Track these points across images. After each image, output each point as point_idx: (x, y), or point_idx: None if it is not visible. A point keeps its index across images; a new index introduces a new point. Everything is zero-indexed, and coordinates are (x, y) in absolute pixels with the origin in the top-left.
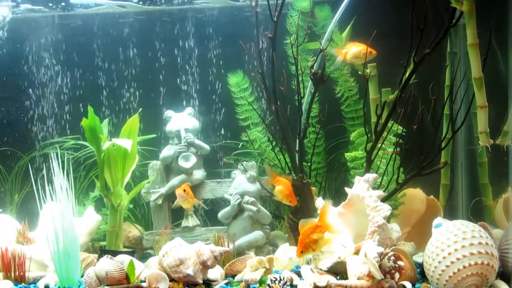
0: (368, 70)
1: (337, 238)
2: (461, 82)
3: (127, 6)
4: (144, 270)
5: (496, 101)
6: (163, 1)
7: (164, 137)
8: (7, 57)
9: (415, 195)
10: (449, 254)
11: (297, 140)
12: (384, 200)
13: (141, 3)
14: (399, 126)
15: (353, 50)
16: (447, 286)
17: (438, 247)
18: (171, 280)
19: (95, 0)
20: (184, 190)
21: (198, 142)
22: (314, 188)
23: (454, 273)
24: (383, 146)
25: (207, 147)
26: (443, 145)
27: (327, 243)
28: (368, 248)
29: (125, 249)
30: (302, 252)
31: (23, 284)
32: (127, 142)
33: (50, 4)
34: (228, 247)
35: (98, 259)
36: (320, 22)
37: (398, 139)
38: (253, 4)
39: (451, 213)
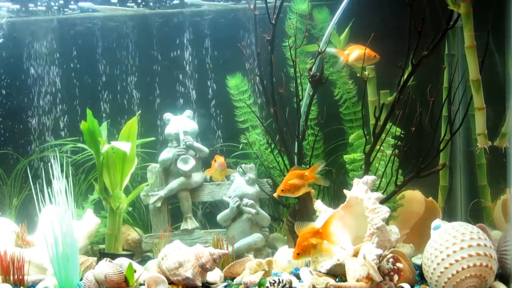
0: (366, 72)
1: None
2: (459, 84)
3: (124, 10)
4: (143, 273)
5: (494, 102)
6: (161, 4)
7: (163, 140)
8: (5, 60)
9: (414, 197)
10: (448, 256)
11: (296, 142)
12: (382, 202)
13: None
14: (398, 128)
15: (356, 53)
16: None
17: (436, 249)
18: (170, 283)
19: (92, 4)
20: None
21: (197, 144)
22: (313, 190)
23: (452, 274)
24: (381, 148)
25: (206, 149)
26: (441, 147)
27: (326, 252)
28: (367, 250)
29: (124, 252)
30: (298, 255)
31: (22, 287)
32: (126, 145)
33: (48, 7)
34: (227, 249)
35: (97, 262)
36: (318, 24)
37: (396, 141)
38: (252, 6)
39: (449, 215)
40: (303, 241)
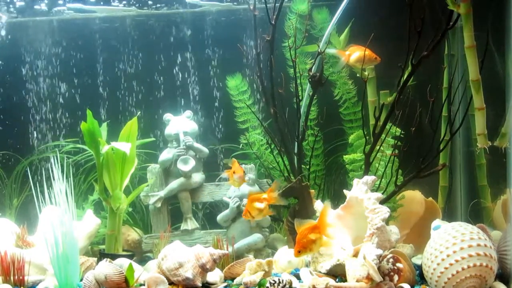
0: (366, 73)
1: (336, 240)
2: (459, 84)
3: (124, 10)
4: (143, 273)
5: (493, 103)
6: (161, 5)
7: (163, 141)
8: (5, 61)
9: (414, 197)
10: (448, 256)
11: (296, 143)
12: (382, 202)
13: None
14: (397, 128)
15: (357, 54)
16: None
17: (436, 249)
18: (170, 283)
19: (91, 5)
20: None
21: (197, 145)
22: (313, 190)
23: (452, 275)
24: (381, 148)
25: (206, 150)
26: (441, 147)
27: (325, 245)
28: (367, 250)
29: (124, 253)
30: (299, 252)
31: None
32: (126, 145)
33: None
34: (227, 250)
35: (97, 263)
36: (318, 25)
37: (396, 141)
38: (251, 7)
39: (449, 215)
40: (302, 238)
